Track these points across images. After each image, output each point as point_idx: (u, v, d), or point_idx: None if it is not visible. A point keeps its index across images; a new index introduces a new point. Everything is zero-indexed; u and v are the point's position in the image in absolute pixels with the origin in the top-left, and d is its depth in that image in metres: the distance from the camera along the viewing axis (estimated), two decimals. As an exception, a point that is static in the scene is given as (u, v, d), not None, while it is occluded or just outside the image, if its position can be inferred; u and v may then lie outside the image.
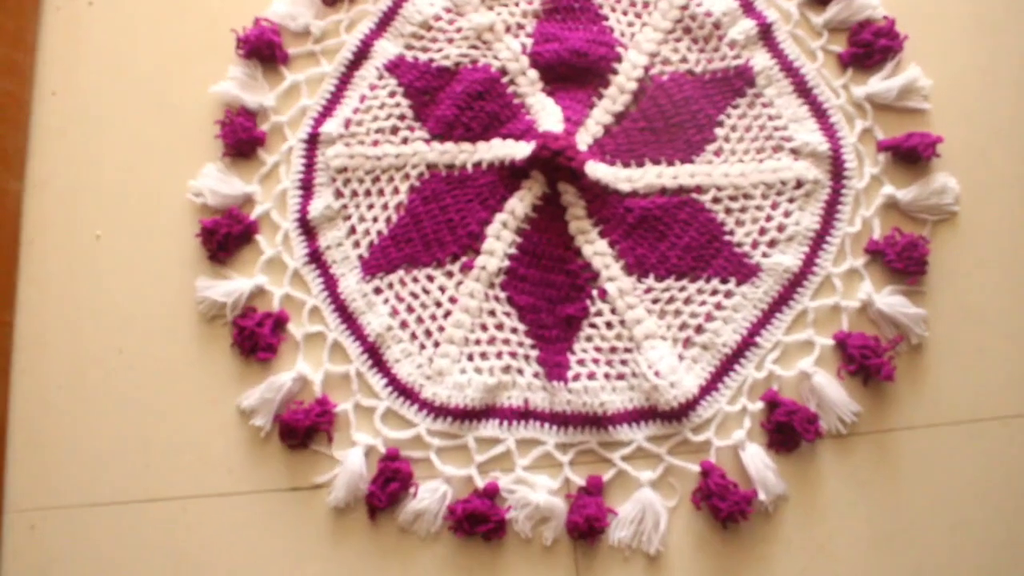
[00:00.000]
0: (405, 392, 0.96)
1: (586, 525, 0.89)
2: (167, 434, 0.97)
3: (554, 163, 0.95)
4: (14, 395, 0.99)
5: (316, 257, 1.00)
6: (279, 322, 0.98)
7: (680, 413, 0.92)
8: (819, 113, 0.99)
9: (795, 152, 0.98)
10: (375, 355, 0.97)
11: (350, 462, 0.93)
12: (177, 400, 0.98)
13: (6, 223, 1.02)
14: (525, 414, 0.94)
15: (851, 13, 1.01)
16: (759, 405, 0.93)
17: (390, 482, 0.92)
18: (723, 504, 0.89)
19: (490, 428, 0.94)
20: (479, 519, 0.90)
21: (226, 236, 0.99)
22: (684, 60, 1.01)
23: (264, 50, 1.03)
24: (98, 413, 0.98)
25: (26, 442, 0.98)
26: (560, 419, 0.94)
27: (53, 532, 0.96)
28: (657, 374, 0.93)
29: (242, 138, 1.01)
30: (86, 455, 0.97)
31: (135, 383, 0.99)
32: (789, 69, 1.00)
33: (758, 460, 0.91)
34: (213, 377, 0.98)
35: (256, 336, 0.96)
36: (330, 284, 0.99)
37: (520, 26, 1.03)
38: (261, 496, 0.95)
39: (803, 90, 1.00)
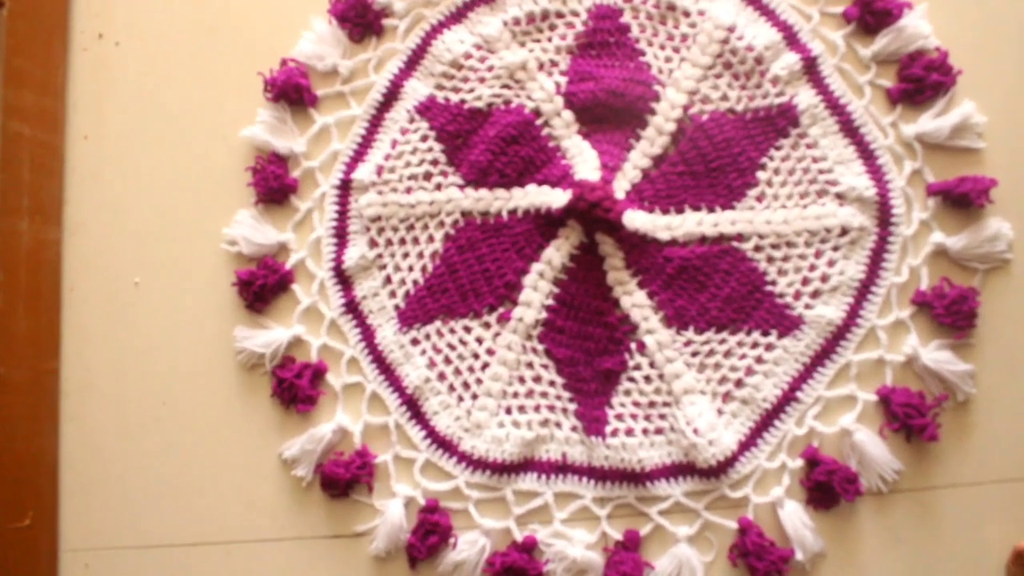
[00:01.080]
0: (444, 444, 0.97)
1: (624, 580, 0.90)
2: (212, 480, 0.99)
3: (591, 215, 0.93)
4: (64, 440, 1.02)
5: (353, 307, 0.99)
6: (318, 373, 0.98)
7: (718, 470, 0.92)
8: (866, 154, 0.95)
9: (840, 197, 0.95)
10: (413, 407, 0.97)
11: (390, 513, 0.94)
12: (220, 447, 1.00)
13: (48, 271, 1.03)
14: (563, 468, 0.95)
15: (901, 44, 0.95)
16: (799, 462, 0.92)
17: (430, 534, 0.94)
18: (760, 564, 0.89)
19: (528, 481, 0.95)
20: (517, 572, 0.92)
21: (262, 287, 0.99)
22: (725, 98, 0.97)
23: (292, 93, 1.01)
24: (145, 458, 1.01)
25: (77, 485, 1.01)
26: (598, 474, 0.94)
27: (106, 571, 1.00)
28: (696, 432, 0.92)
29: (273, 186, 1.00)
30: (135, 499, 1.00)
31: (179, 429, 1.01)
32: (835, 107, 0.96)
33: (796, 519, 0.91)
34: (255, 424, 1.00)
35: (295, 388, 0.97)
36: (367, 335, 0.99)
37: (554, 63, 1.00)
38: (304, 542, 0.97)
39: (850, 129, 0.96)
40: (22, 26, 1.02)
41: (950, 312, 0.92)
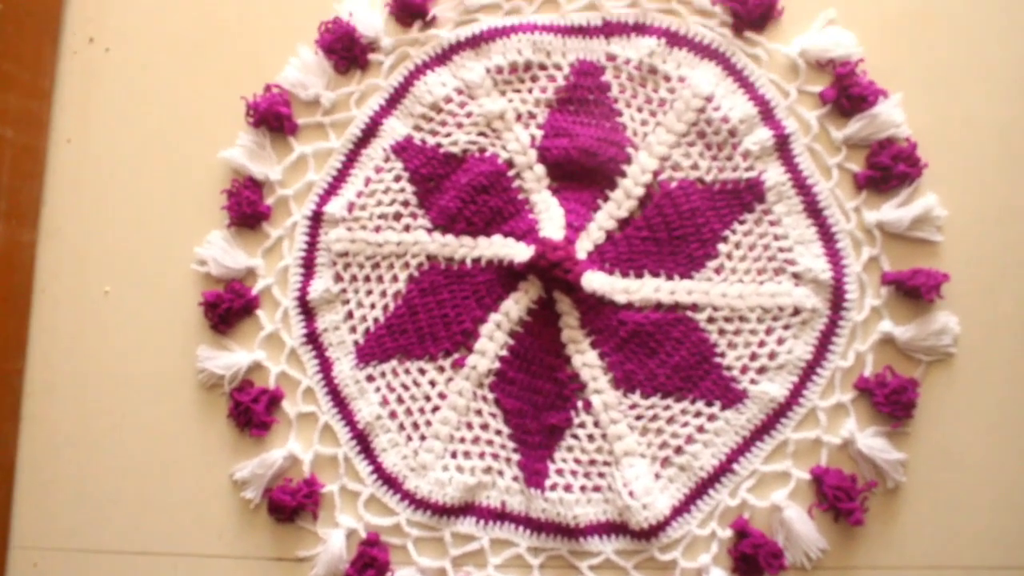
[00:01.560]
0: (389, 481, 0.99)
1: (550, 627, 0.94)
2: (164, 492, 1.02)
3: (551, 274, 0.95)
4: (22, 439, 1.05)
5: (313, 338, 1.02)
6: (274, 399, 1.01)
7: (650, 532, 0.95)
8: (827, 236, 0.97)
9: (797, 276, 0.97)
10: (363, 442, 1.00)
11: (332, 543, 0.98)
12: (175, 460, 1.03)
13: (20, 274, 1.05)
14: (501, 515, 0.98)
15: (873, 131, 0.97)
16: (728, 532, 0.95)
17: (367, 568, 0.97)
18: (681, 626, 0.93)
19: (467, 525, 0.98)
20: (450, 610, 0.95)
21: (227, 311, 1.01)
22: (695, 167, 0.99)
23: (272, 121, 1.03)
24: (101, 463, 1.03)
25: (32, 484, 1.04)
26: (534, 524, 0.97)
27: (55, 571, 1.03)
28: (631, 494, 0.95)
29: (247, 212, 1.02)
30: (88, 503, 1.03)
31: (136, 439, 1.03)
32: (802, 186, 0.97)
33: (720, 586, 0.94)
34: (209, 442, 1.03)
35: (251, 412, 1.00)
36: (325, 367, 1.01)
37: (532, 115, 1.01)
38: (247, 562, 1.01)
39: (814, 210, 0.97)
40: (13, 29, 1.03)
41: (889, 401, 0.94)
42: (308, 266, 1.02)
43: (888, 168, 0.96)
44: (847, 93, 0.97)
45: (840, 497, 0.93)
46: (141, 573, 1.02)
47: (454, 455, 0.99)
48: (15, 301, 1.04)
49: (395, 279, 1.01)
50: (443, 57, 1.03)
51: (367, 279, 1.01)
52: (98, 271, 1.06)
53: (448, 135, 1.01)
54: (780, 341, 0.96)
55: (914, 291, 0.95)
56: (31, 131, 1.05)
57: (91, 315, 1.05)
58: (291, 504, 0.98)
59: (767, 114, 0.98)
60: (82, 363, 1.05)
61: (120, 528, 1.02)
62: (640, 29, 1.00)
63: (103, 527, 1.03)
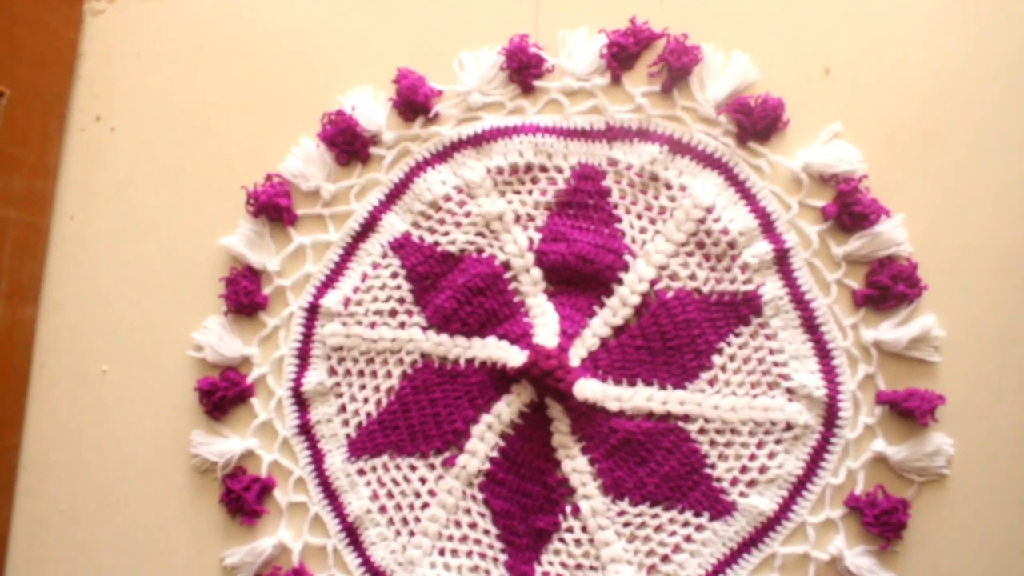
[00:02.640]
0: (377, 575, 1.00)
1: None
2: (154, 573, 1.04)
3: (543, 381, 0.95)
4: (16, 514, 1.06)
5: (306, 429, 1.02)
6: (265, 488, 1.02)
7: (634, 642, 0.95)
8: (823, 352, 0.97)
9: (791, 392, 0.96)
10: (352, 534, 1.01)
11: (319, 635, 0.99)
12: (165, 543, 1.04)
13: (19, 350, 1.06)
14: (488, 614, 0.99)
15: (874, 249, 0.96)
16: (712, 646, 0.95)
17: (353, 662, 0.98)
18: None
19: (453, 622, 0.99)
20: None
21: (222, 398, 1.02)
22: (693, 277, 0.98)
23: (272, 212, 1.03)
24: (93, 541, 1.05)
25: (25, 560, 1.06)
26: (519, 626, 0.98)
27: (44, 648, 1.04)
28: (617, 601, 0.95)
29: (243, 301, 1.03)
30: (80, 579, 1.05)
31: (129, 518, 1.05)
32: (800, 301, 0.97)
33: None
34: (201, 526, 1.04)
35: (242, 500, 1.01)
36: (317, 458, 1.02)
37: (531, 217, 1.01)
38: (235, 648, 1.02)
39: (811, 326, 0.97)
40: (21, 113, 1.04)
41: (879, 522, 0.94)
42: (303, 357, 1.03)
43: (887, 287, 0.95)
44: (849, 210, 0.96)
45: (825, 617, 0.93)
46: (129, 654, 1.03)
47: (442, 552, 0.99)
48: (14, 376, 1.05)
49: (389, 375, 1.01)
50: (444, 154, 1.03)
51: (361, 374, 1.02)
52: (97, 349, 1.07)
53: (446, 234, 1.01)
54: (771, 455, 0.96)
55: (908, 413, 0.94)
56: (35, 209, 1.06)
57: (89, 393, 1.06)
58: (280, 594, 0.99)
59: (768, 227, 0.98)
60: (78, 440, 1.06)
61: (111, 607, 1.04)
62: (643, 135, 1.00)
63: (94, 606, 1.04)
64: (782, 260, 0.98)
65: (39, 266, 1.07)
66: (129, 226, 1.08)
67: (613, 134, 1.00)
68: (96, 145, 1.09)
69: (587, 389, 0.96)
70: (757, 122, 0.98)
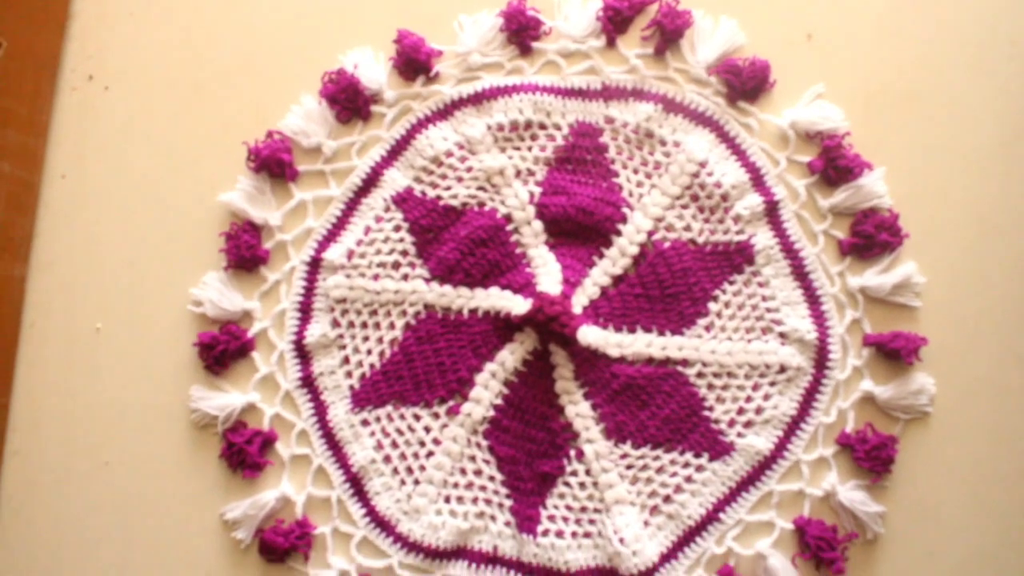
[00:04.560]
0: (382, 524, 1.00)
1: (538, 674, 0.96)
2: (151, 532, 1.02)
3: (548, 327, 0.97)
4: (5, 474, 1.04)
5: (308, 382, 1.03)
6: (267, 441, 1.02)
7: (638, 578, 0.98)
8: (812, 299, 1.01)
9: (783, 336, 1.01)
10: (357, 485, 1.01)
11: (324, 586, 0.98)
12: (163, 500, 1.02)
13: (9, 308, 1.04)
14: (493, 559, 0.99)
15: (858, 200, 1.01)
16: (714, 580, 0.98)
17: (359, 610, 0.98)
18: (667, 674, 0.95)
19: (459, 569, 0.99)
20: (438, 655, 0.96)
21: (223, 352, 1.02)
22: (688, 228, 1.02)
23: (274, 167, 1.04)
24: (86, 502, 1.02)
25: (15, 521, 1.03)
26: (525, 569, 0.99)
27: (36, 611, 1.01)
28: (622, 541, 0.97)
29: (245, 255, 1.03)
30: (71, 541, 1.02)
31: (124, 477, 1.03)
32: (789, 251, 1.02)
33: (705, 633, 0.97)
34: (200, 482, 1.02)
35: (244, 453, 1.00)
36: (320, 410, 1.02)
37: (531, 172, 1.04)
38: (236, 604, 1.01)
39: (800, 274, 1.02)
40: (14, 66, 1.03)
41: (869, 457, 0.98)
42: (305, 311, 1.03)
43: (871, 236, 1.01)
44: (834, 164, 1.02)
45: (822, 547, 0.96)
46: (125, 614, 1.01)
47: (447, 500, 1.00)
48: (3, 335, 1.03)
49: (392, 326, 1.02)
50: (445, 112, 1.05)
51: (364, 325, 1.03)
52: (90, 307, 1.05)
53: (448, 188, 1.04)
54: (766, 397, 1.00)
55: (894, 353, 0.99)
56: (27, 165, 1.05)
57: (81, 351, 1.05)
58: (284, 545, 0.98)
59: (758, 181, 1.03)
60: (70, 399, 1.04)
61: (105, 568, 1.01)
62: (638, 95, 1.04)
63: (87, 566, 1.02)
64: (772, 212, 1.02)
65: (30, 224, 1.05)
66: (123, 184, 1.07)
67: (609, 93, 1.04)
68: (89, 104, 1.08)
69: (589, 335, 0.99)
70: (746, 82, 1.03)
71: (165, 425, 1.03)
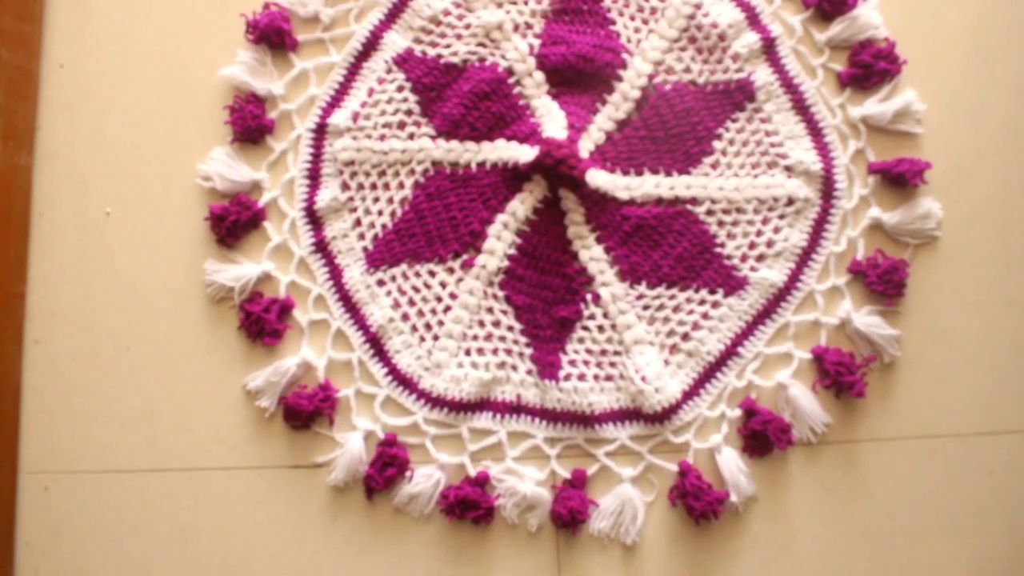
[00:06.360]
0: (404, 382, 1.01)
1: (569, 516, 0.96)
2: (174, 408, 1.02)
3: (556, 171, 0.98)
4: (27, 364, 1.03)
5: (322, 247, 1.03)
6: (285, 308, 1.02)
7: (663, 416, 0.98)
8: (815, 131, 1.02)
9: (789, 169, 1.02)
10: (376, 345, 1.02)
11: (350, 446, 0.98)
12: (185, 376, 1.02)
13: (17, 197, 1.04)
14: (517, 408, 1.00)
15: (854, 32, 1.03)
16: (737, 412, 0.99)
17: (387, 467, 0.98)
18: (697, 504, 0.96)
19: (483, 420, 1.00)
20: (470, 505, 0.97)
21: (235, 223, 1.02)
22: (688, 70, 1.03)
23: (273, 37, 1.04)
24: (108, 384, 1.03)
25: (39, 408, 1.03)
26: (550, 415, 0.99)
27: (65, 495, 1.01)
28: (643, 379, 0.98)
29: (251, 126, 1.03)
30: (97, 423, 1.02)
31: (144, 357, 1.03)
32: (789, 86, 1.03)
33: (732, 464, 0.97)
34: (220, 355, 1.03)
35: (263, 321, 1.01)
36: (335, 274, 1.03)
37: (528, 25, 1.05)
38: (263, 472, 1.01)
39: (801, 107, 1.03)
40: (5, -49, 1.03)
41: (882, 281, 0.99)
42: (314, 177, 1.04)
43: (869, 66, 1.02)
44: (827, -4, 1.03)
45: (842, 372, 0.98)
46: (154, 490, 1.01)
47: (468, 352, 1.01)
48: (14, 224, 1.03)
49: (401, 186, 1.03)
50: (441, -28, 1.06)
51: (373, 187, 1.03)
52: (98, 193, 1.05)
53: (448, 46, 1.04)
54: (776, 230, 1.01)
55: (899, 178, 1.01)
56: (24, 53, 1.05)
57: (92, 237, 1.05)
58: (308, 409, 0.98)
59: (753, 19, 1.04)
60: (85, 285, 1.04)
61: (130, 447, 1.01)
62: (630, -59, 1.05)
63: (113, 447, 1.02)
64: (770, 49, 1.03)
65: (31, 112, 1.05)
66: (122, 69, 1.07)
67: (602, -58, 1.05)
68: (83, -9, 1.09)
69: (598, 178, 1.00)
70: (736, -76, 1.04)
71: (181, 302, 1.03)
